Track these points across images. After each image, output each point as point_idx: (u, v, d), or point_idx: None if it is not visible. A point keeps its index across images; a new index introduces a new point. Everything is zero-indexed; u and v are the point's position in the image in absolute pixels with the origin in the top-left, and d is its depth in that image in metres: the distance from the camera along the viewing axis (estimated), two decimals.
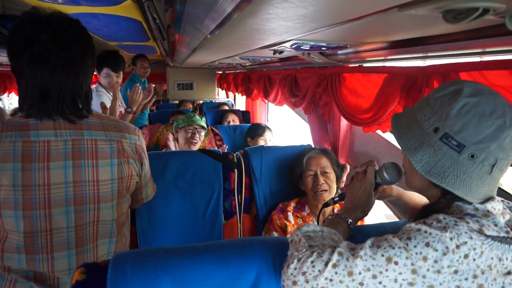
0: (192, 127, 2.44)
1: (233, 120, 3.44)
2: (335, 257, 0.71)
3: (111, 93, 2.46)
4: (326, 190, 1.67)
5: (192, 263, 0.79)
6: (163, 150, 2.53)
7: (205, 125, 2.50)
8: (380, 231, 0.92)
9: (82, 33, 1.06)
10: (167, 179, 1.71)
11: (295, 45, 1.35)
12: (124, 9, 2.19)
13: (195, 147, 2.48)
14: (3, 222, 1.03)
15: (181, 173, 1.72)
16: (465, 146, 0.72)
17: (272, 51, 1.58)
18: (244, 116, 3.66)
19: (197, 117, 2.49)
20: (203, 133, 2.50)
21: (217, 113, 3.64)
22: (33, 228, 1.04)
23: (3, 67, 3.67)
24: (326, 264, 0.71)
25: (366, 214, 0.99)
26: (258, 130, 2.90)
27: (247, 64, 3.18)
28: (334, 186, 1.70)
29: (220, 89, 5.22)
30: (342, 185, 1.78)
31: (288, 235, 0.82)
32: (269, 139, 2.88)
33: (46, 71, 1.00)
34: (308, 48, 1.42)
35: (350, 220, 0.93)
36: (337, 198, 1.11)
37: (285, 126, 5.37)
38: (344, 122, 1.99)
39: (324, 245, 0.76)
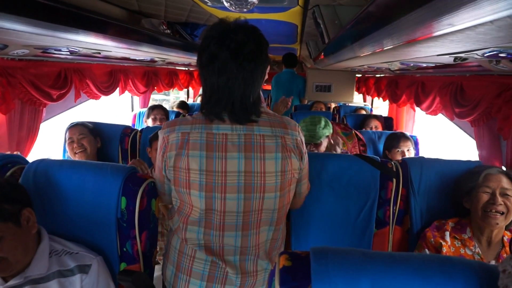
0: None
1: (376, 127, 3.32)
2: None
3: None
4: (502, 213, 1.48)
5: (391, 271, 0.79)
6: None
7: (321, 139, 2.32)
8: None
9: (255, 51, 1.17)
10: (323, 181, 1.75)
11: (491, 53, 1.22)
12: (288, 15, 2.34)
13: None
14: (191, 200, 1.22)
15: (337, 176, 1.75)
16: None
17: (453, 58, 1.47)
18: (387, 122, 3.50)
19: (317, 130, 2.30)
20: (325, 144, 2.36)
21: (358, 117, 3.57)
22: (212, 207, 1.21)
23: (190, 67, 4.19)
24: None
25: None
26: (393, 141, 2.68)
27: (396, 69, 3.03)
28: None
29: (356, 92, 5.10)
30: None
31: (499, 263, 0.75)
32: (407, 149, 2.64)
33: (221, 81, 1.17)
34: (505, 56, 1.27)
35: None
36: None
37: (435, 136, 4.89)
38: None
39: None
